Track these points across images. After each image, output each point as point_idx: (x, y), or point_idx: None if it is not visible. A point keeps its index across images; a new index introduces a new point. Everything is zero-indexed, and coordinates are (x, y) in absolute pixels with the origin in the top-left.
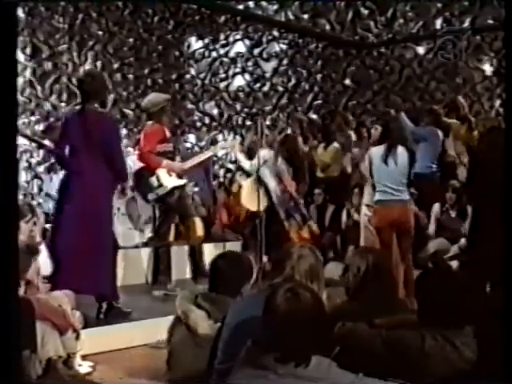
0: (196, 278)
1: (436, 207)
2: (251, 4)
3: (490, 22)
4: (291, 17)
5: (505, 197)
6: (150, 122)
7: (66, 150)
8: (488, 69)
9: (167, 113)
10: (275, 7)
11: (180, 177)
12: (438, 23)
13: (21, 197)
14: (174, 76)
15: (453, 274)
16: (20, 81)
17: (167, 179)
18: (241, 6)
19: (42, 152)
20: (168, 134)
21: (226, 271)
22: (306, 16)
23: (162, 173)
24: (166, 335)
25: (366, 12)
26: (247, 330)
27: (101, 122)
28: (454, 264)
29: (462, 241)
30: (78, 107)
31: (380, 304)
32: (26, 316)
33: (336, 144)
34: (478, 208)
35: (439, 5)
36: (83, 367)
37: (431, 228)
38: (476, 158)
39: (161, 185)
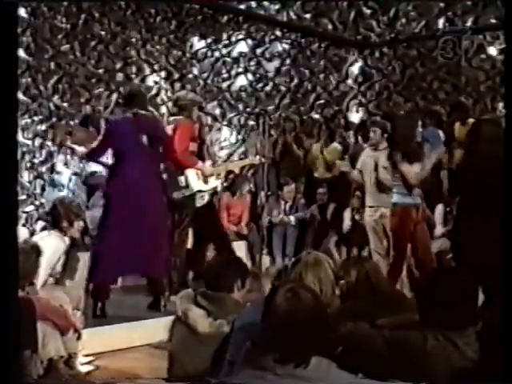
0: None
1: (440, 208)
2: (253, 4)
3: (493, 21)
4: (293, 16)
5: (506, 196)
6: (179, 118)
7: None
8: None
9: (195, 111)
10: (277, 7)
11: (206, 181)
12: (441, 23)
13: (24, 197)
14: (176, 76)
15: (455, 274)
16: (23, 81)
17: (195, 181)
18: (242, 6)
19: (44, 152)
20: (196, 132)
21: (220, 272)
22: (308, 16)
23: (190, 174)
24: (167, 335)
25: (368, 12)
26: (251, 332)
27: (156, 123)
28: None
29: None
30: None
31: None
32: (27, 316)
33: (336, 144)
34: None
35: (442, 4)
36: (86, 366)
37: (437, 229)
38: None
39: (187, 185)
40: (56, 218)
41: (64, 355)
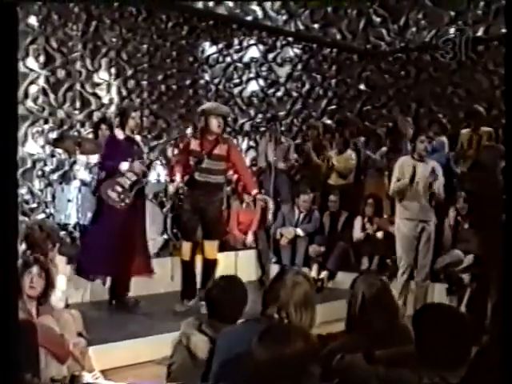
0: None
1: (450, 216)
2: (260, 14)
3: (504, 30)
4: (301, 27)
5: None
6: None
7: None
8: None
9: (203, 122)
10: (284, 17)
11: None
12: (452, 32)
13: (35, 205)
14: (188, 82)
15: (453, 313)
16: (33, 89)
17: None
18: (249, 18)
19: (55, 160)
20: (193, 146)
21: (221, 299)
22: (316, 25)
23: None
24: (170, 356)
25: (378, 20)
26: (237, 359)
27: None
28: (466, 277)
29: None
30: None
31: (380, 334)
32: (29, 339)
33: (350, 151)
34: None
35: (452, 13)
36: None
37: (446, 240)
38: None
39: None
40: (36, 240)
41: (66, 375)
